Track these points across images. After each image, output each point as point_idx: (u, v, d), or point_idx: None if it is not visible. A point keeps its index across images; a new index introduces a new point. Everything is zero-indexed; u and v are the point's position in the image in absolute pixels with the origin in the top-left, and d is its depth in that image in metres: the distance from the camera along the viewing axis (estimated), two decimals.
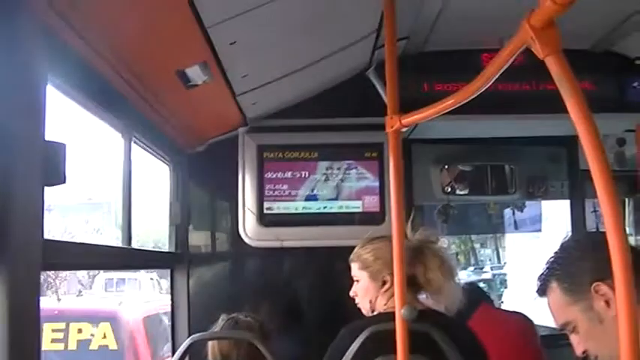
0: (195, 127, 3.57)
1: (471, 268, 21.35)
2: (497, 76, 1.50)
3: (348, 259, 2.73)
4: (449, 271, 2.65)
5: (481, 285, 6.82)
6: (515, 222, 6.41)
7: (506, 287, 14.05)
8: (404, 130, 2.13)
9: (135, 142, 2.99)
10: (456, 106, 1.71)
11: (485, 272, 20.68)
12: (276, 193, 3.86)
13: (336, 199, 3.88)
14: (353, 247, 2.75)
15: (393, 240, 2.15)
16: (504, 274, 15.60)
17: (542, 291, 1.96)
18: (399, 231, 2.16)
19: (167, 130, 3.34)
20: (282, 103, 3.82)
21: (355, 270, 2.73)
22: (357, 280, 2.73)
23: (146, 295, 12.30)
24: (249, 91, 3.25)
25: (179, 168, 3.85)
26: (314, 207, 3.87)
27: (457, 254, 19.99)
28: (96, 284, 14.69)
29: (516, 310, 4.06)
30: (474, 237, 19.72)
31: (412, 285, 2.51)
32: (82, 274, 14.42)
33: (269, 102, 3.68)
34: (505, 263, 16.51)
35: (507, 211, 6.49)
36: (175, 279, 3.87)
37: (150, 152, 3.48)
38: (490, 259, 22.42)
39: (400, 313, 2.15)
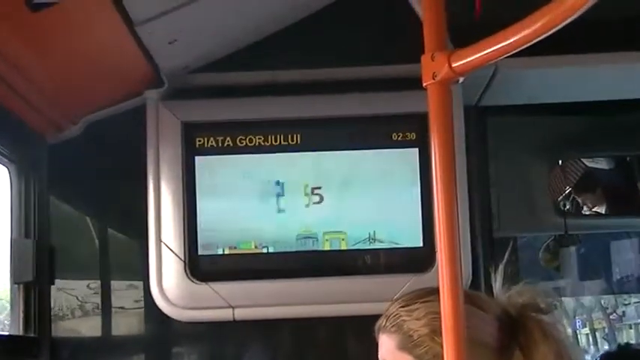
0: (60, 89, 2.48)
1: None
2: None
3: (370, 331, 1.91)
4: None
5: None
6: None
7: None
8: (460, 81, 1.77)
9: None
10: (559, 26, 1.25)
11: None
12: (223, 215, 2.65)
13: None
14: (372, 320, 1.88)
15: (442, 301, 1.48)
16: None
17: None
18: (454, 283, 1.50)
19: (5, 100, 2.35)
20: (227, 41, 2.70)
21: (389, 349, 1.87)
22: None
23: None
24: (161, 15, 2.28)
25: (30, 171, 2.64)
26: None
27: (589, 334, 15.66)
28: None
29: None
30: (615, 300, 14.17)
31: None
32: None
33: (201, 39, 2.65)
34: None
35: None
36: None
37: None
38: None
39: None
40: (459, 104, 2.40)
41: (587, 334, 15.39)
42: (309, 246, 2.60)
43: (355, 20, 2.70)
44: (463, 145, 2.42)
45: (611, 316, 15.43)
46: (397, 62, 2.59)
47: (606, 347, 13.77)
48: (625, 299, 15.00)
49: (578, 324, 15.65)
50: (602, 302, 14.23)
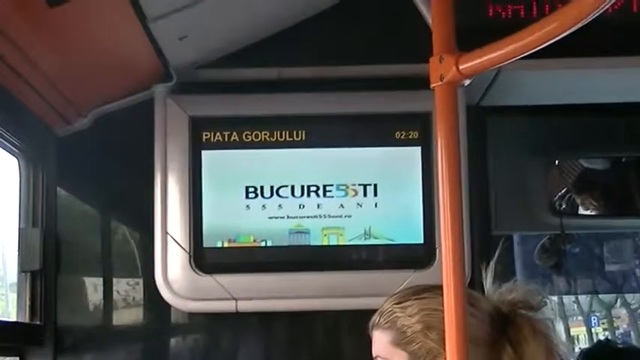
0: (71, 82, 2.42)
1: None
2: None
3: (368, 326, 1.90)
4: None
5: None
6: None
7: None
8: (466, 83, 1.54)
9: None
10: (566, 32, 1.26)
11: None
12: (227, 209, 2.59)
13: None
14: (374, 314, 1.88)
15: (445, 298, 1.48)
16: None
17: None
18: (457, 280, 1.50)
19: (17, 92, 2.30)
20: (235, 38, 2.66)
21: (382, 345, 1.88)
22: None
23: None
24: (173, 12, 2.27)
25: (39, 162, 2.61)
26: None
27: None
28: None
29: None
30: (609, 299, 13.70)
31: None
32: None
33: (211, 36, 2.59)
34: None
35: None
36: None
37: None
38: None
39: None
40: (462, 104, 2.38)
41: (596, 334, 14.28)
42: (302, 241, 2.56)
43: (360, 20, 2.66)
44: (465, 145, 2.39)
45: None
46: (402, 62, 2.56)
47: None
48: None
49: (593, 321, 14.74)
50: (627, 298, 13.26)
